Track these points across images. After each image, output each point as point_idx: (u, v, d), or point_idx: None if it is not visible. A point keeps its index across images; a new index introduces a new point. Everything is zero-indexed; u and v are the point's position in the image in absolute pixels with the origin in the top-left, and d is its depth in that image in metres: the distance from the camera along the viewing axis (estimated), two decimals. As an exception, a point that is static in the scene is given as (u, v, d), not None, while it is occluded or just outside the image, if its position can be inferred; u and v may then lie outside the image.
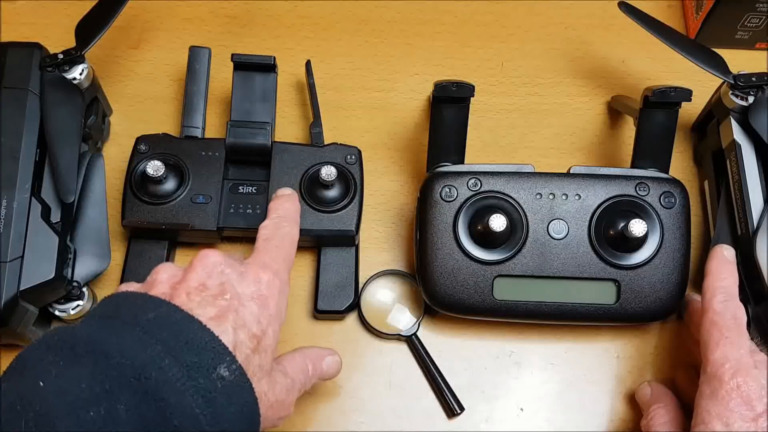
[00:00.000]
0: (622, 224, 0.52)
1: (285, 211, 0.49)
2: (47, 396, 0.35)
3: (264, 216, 0.50)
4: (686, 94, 0.54)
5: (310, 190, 0.57)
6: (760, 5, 0.62)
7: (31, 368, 0.36)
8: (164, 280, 0.43)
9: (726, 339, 0.46)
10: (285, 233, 0.48)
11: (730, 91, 0.56)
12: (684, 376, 0.54)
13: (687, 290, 0.54)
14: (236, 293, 0.42)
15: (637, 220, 0.51)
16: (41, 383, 0.35)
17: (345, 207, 0.57)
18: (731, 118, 0.56)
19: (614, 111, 0.65)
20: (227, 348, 0.39)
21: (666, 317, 0.55)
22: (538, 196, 0.54)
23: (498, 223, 0.51)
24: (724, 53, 0.58)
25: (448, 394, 0.55)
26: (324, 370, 0.49)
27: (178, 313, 0.39)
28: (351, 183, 0.57)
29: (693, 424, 0.45)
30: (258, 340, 0.41)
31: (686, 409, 0.50)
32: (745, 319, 0.47)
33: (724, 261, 0.51)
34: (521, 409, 0.56)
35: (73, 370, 0.36)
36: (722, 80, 0.57)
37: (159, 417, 0.35)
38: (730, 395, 0.44)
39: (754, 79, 0.55)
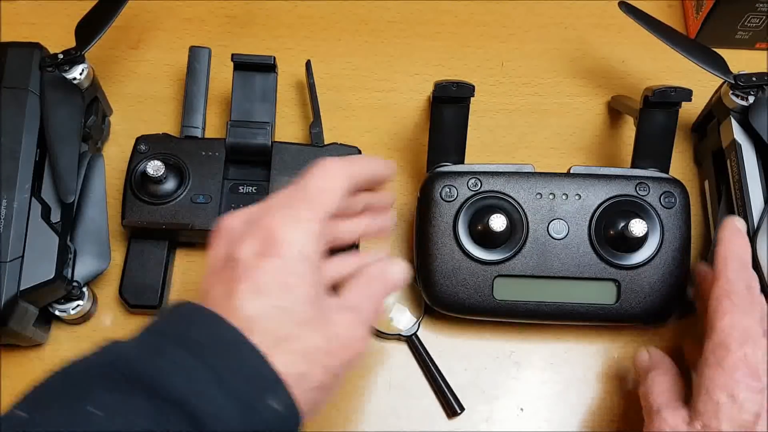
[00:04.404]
0: (622, 224, 0.52)
1: None
2: (103, 428, 0.33)
3: None
4: (686, 94, 0.54)
5: (310, 190, 0.57)
6: (760, 5, 0.62)
7: (76, 395, 0.34)
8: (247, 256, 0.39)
9: (736, 307, 0.43)
10: None
11: (731, 91, 0.56)
12: (692, 346, 0.52)
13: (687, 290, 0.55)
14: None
15: (637, 220, 0.51)
16: (97, 412, 0.33)
17: (345, 207, 0.57)
18: (731, 118, 0.56)
19: (614, 111, 0.65)
20: (279, 377, 0.36)
21: (666, 317, 0.55)
22: (538, 196, 0.54)
23: (498, 223, 0.51)
24: (724, 53, 0.58)
25: (448, 394, 0.55)
26: (395, 284, 0.44)
27: (229, 332, 0.36)
28: (351, 183, 0.57)
29: (695, 394, 0.43)
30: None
31: (687, 376, 0.48)
32: (758, 288, 0.45)
33: (736, 230, 0.48)
34: (521, 409, 0.56)
35: (127, 403, 0.34)
36: (722, 80, 0.57)
37: None
38: (736, 365, 0.41)
39: (754, 79, 0.55)
